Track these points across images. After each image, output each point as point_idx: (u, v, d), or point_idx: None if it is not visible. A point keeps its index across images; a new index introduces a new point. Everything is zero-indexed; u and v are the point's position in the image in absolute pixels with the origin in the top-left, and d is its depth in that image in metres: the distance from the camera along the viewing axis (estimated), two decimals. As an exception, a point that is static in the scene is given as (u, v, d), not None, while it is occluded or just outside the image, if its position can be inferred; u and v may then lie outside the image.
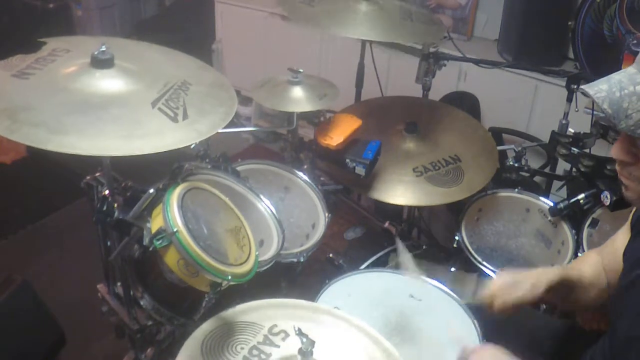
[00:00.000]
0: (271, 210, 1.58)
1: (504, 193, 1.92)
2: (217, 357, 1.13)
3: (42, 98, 1.15)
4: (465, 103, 2.66)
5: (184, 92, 1.28)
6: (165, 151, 1.13)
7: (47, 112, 1.11)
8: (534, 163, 2.02)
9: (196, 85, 1.33)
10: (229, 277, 1.13)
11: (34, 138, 1.05)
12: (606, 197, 1.67)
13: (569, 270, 1.37)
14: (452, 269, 1.71)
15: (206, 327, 1.19)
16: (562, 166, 2.10)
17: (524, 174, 1.98)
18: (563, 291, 1.34)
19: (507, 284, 1.33)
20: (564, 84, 2.00)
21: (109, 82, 1.22)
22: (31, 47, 1.27)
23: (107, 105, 1.17)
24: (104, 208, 1.24)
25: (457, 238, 1.77)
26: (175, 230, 1.10)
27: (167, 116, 1.19)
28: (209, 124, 1.23)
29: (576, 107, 1.99)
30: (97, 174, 1.38)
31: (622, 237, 1.32)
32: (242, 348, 1.16)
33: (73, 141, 1.07)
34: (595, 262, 1.40)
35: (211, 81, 1.39)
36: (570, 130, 1.95)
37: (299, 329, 1.11)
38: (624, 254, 1.20)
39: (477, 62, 2.26)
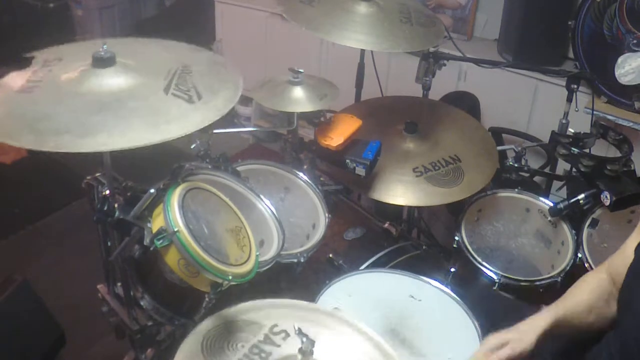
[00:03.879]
0: (271, 211, 1.58)
1: (504, 193, 1.92)
2: (217, 354, 1.14)
3: (57, 106, 1.14)
4: (465, 103, 2.66)
5: (188, 74, 1.29)
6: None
7: (67, 119, 1.12)
8: (534, 163, 2.02)
9: (196, 66, 1.34)
10: (230, 277, 1.13)
11: (64, 145, 1.07)
12: (606, 197, 1.67)
13: (560, 310, 1.27)
14: (452, 269, 1.71)
15: (207, 324, 1.19)
16: (562, 166, 2.10)
17: (523, 174, 1.98)
18: (559, 332, 1.26)
19: (492, 348, 1.22)
20: (564, 83, 2.00)
21: (117, 79, 1.22)
22: (23, 62, 1.27)
23: (124, 100, 1.17)
24: (105, 208, 1.24)
25: (457, 238, 1.77)
26: (176, 230, 1.10)
27: (183, 99, 1.21)
28: (223, 99, 1.25)
29: (576, 107, 1.99)
30: (98, 174, 1.38)
31: (632, 244, 1.24)
32: (242, 346, 1.17)
33: (104, 139, 1.08)
34: (596, 285, 1.31)
35: (208, 60, 1.41)
36: (570, 130, 1.94)
37: (299, 329, 1.11)
38: (637, 248, 1.17)
39: (477, 62, 2.26)
